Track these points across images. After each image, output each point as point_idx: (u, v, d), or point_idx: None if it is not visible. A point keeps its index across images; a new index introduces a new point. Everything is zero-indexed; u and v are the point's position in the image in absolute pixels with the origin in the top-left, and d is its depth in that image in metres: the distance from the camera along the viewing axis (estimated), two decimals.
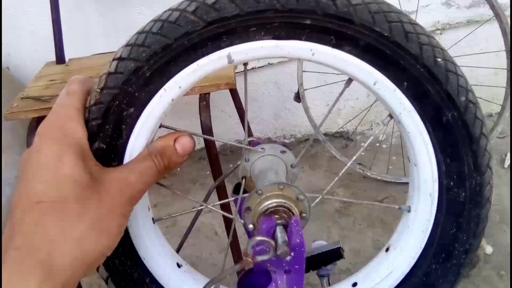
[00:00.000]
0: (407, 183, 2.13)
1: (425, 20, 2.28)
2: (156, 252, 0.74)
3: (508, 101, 2.12)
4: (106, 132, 0.62)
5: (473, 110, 0.63)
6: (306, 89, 2.21)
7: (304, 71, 2.17)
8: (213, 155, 1.38)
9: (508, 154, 2.24)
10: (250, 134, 2.06)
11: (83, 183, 0.54)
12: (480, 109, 0.65)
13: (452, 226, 0.69)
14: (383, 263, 0.76)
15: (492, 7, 2.03)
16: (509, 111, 2.13)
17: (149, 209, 0.74)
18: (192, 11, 0.59)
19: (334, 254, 0.80)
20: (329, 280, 0.82)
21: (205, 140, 1.32)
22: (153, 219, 0.75)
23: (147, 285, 0.74)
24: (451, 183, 0.67)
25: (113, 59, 0.61)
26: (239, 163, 0.79)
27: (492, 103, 2.21)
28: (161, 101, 0.62)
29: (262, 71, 2.36)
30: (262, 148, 0.77)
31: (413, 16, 0.74)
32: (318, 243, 0.82)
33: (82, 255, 0.53)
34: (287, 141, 2.61)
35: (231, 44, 0.61)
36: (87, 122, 0.61)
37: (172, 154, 0.63)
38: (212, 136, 1.33)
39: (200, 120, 1.33)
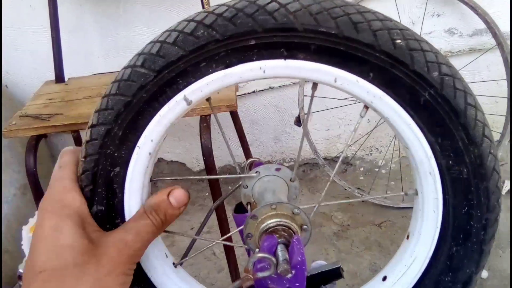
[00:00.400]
0: (405, 208, 2.14)
1: None
2: None
3: (508, 129, 2.13)
4: (100, 195, 0.64)
5: (450, 83, 0.61)
6: (306, 113, 2.21)
7: (305, 95, 2.18)
8: (213, 179, 1.39)
9: (506, 182, 2.23)
10: (249, 155, 2.06)
11: (81, 249, 0.58)
12: (460, 79, 0.62)
13: (463, 205, 0.67)
14: (406, 251, 0.74)
15: (495, 35, 2.05)
16: (509, 139, 2.13)
17: (167, 256, 0.74)
18: (140, 65, 0.60)
19: (334, 274, 0.79)
20: None
21: (205, 163, 1.32)
22: (174, 263, 0.75)
23: None
24: (450, 162, 0.65)
25: (88, 127, 0.63)
26: (237, 185, 0.79)
27: (492, 131, 2.20)
28: (139, 157, 0.64)
29: (263, 94, 2.36)
30: (257, 172, 0.77)
31: None
32: (318, 263, 0.82)
33: None
34: (286, 164, 2.60)
35: (188, 85, 0.61)
36: (81, 189, 0.63)
37: (167, 208, 0.64)
38: (212, 158, 1.33)
39: (201, 141, 1.33)
